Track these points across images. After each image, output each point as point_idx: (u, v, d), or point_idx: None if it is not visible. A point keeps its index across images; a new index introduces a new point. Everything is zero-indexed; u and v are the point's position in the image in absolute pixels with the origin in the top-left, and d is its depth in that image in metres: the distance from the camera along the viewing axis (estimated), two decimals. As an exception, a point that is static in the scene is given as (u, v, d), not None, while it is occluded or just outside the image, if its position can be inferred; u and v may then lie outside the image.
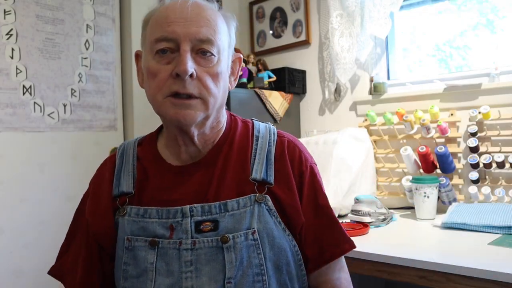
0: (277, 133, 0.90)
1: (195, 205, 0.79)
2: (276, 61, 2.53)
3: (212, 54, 0.79)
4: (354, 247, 0.87)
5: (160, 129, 0.93)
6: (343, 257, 0.89)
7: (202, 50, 0.78)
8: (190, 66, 0.75)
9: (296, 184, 0.85)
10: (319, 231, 0.85)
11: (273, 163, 0.84)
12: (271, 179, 0.83)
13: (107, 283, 0.86)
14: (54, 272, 0.90)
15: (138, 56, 0.88)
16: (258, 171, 0.83)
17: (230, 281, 0.75)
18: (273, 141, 0.87)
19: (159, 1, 0.86)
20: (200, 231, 0.78)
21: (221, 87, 0.81)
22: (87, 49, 2.10)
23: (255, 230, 0.78)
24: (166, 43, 0.76)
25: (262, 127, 0.91)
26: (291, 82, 2.32)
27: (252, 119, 0.94)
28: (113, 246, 0.83)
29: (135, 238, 0.80)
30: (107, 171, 0.89)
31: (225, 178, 0.82)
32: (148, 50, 0.80)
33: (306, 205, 0.85)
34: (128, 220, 0.81)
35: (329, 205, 0.88)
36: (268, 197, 0.81)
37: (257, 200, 0.80)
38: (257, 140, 0.87)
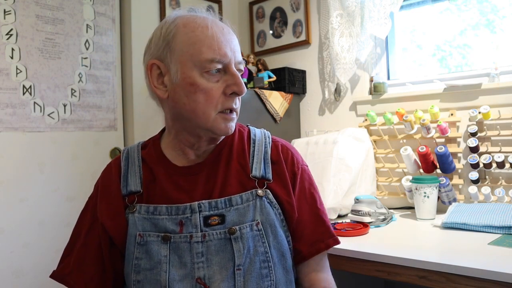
0: (271, 138, 0.99)
1: (203, 201, 0.86)
2: (276, 61, 2.53)
3: (242, 69, 0.90)
4: (338, 242, 0.95)
5: (161, 133, 0.99)
6: (327, 257, 0.97)
7: (239, 67, 0.89)
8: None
9: (290, 183, 0.93)
10: (307, 226, 0.92)
11: (270, 163, 0.93)
12: (269, 176, 0.91)
13: (119, 279, 0.90)
14: (55, 274, 0.92)
15: (154, 66, 0.88)
16: (257, 169, 0.91)
17: (240, 268, 0.83)
18: (269, 143, 0.96)
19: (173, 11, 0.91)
20: (209, 225, 0.85)
21: None
22: (87, 49, 2.10)
23: (258, 222, 0.86)
24: (217, 64, 0.84)
25: (258, 132, 0.99)
26: (291, 82, 2.32)
27: (247, 125, 1.02)
28: (125, 242, 0.88)
29: (147, 234, 0.86)
30: (113, 173, 0.94)
31: (229, 177, 0.90)
32: (190, 65, 0.85)
33: (296, 203, 0.92)
34: (138, 217, 0.87)
35: (318, 203, 0.96)
36: (268, 191, 0.89)
37: (258, 195, 0.88)
38: (254, 143, 0.96)
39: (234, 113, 0.89)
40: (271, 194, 0.89)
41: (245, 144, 0.95)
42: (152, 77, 0.89)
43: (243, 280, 0.83)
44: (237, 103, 0.88)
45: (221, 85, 0.85)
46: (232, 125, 0.89)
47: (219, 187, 0.89)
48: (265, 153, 0.94)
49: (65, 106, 2.02)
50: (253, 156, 0.93)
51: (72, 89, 2.05)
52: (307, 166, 1.00)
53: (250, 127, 1.01)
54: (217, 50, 0.84)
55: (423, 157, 1.79)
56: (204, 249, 0.84)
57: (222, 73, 0.86)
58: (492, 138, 1.75)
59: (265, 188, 0.89)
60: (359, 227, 1.51)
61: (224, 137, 0.94)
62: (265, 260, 0.85)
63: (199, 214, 0.85)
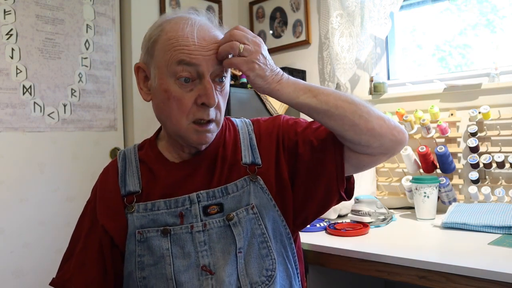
0: (252, 122, 1.01)
1: (201, 191, 0.88)
2: (276, 61, 2.48)
3: (225, 77, 0.88)
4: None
5: (157, 133, 1.00)
6: None
7: (219, 76, 0.86)
8: (216, 97, 0.84)
9: (281, 138, 0.94)
10: (326, 144, 0.91)
11: (256, 148, 0.95)
12: (258, 160, 0.93)
13: (120, 281, 0.91)
14: (55, 282, 0.92)
15: (139, 69, 0.91)
16: (246, 156, 0.93)
17: (241, 251, 0.86)
18: (251, 130, 0.98)
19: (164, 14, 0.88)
20: (208, 214, 0.88)
21: (225, 102, 0.91)
22: (87, 49, 2.10)
23: (253, 205, 0.89)
24: (187, 67, 0.82)
25: (239, 121, 1.02)
26: (291, 82, 2.31)
27: (227, 117, 1.02)
28: (126, 242, 0.89)
29: (146, 230, 0.87)
30: (111, 175, 0.95)
31: (224, 167, 0.92)
32: (165, 72, 0.84)
33: (301, 137, 0.92)
34: (137, 216, 0.88)
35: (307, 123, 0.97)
36: (259, 177, 0.91)
37: (251, 180, 0.90)
38: (239, 133, 0.98)
39: (212, 124, 0.87)
40: (262, 181, 0.90)
41: (237, 135, 0.97)
42: (139, 79, 0.92)
43: (243, 262, 0.85)
44: (211, 114, 0.85)
45: (193, 94, 0.84)
46: (209, 136, 0.88)
47: (217, 177, 0.90)
48: (250, 139, 0.96)
49: (65, 106, 2.02)
50: (241, 145, 0.95)
51: (72, 89, 2.05)
52: (282, 115, 1.01)
53: (231, 119, 1.02)
54: (185, 52, 0.81)
55: (423, 157, 1.79)
56: (206, 237, 0.86)
57: (197, 82, 0.84)
58: (492, 138, 1.75)
59: (256, 174, 0.91)
60: (359, 227, 1.51)
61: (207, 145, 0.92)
62: (263, 241, 0.87)
63: (198, 205, 0.87)
